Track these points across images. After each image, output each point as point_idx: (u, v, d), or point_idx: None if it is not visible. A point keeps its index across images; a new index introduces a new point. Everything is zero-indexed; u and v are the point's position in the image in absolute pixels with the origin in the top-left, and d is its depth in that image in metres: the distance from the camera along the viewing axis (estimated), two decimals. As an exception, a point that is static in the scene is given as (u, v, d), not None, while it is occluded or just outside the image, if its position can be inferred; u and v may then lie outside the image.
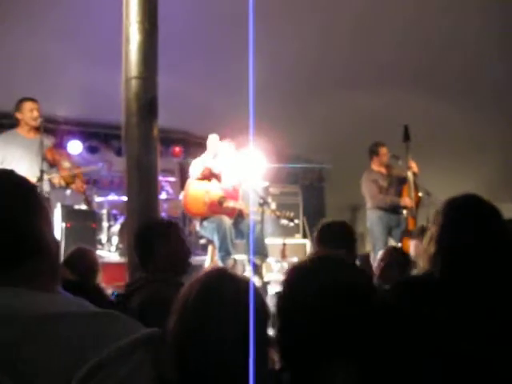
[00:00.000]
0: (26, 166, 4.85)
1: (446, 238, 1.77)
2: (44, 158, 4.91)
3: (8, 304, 1.06)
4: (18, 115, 5.10)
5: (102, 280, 3.65)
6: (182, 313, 1.47)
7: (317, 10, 5.31)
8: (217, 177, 5.59)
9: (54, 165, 5.23)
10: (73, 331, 1.03)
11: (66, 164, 5.29)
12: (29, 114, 5.03)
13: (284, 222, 5.68)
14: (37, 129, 5.05)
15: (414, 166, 5.97)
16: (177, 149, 8.35)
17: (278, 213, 5.69)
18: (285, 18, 5.32)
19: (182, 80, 5.95)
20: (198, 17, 5.20)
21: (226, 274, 1.64)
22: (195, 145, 8.55)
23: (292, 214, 5.69)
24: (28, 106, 5.06)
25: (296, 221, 6.20)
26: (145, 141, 2.96)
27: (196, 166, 5.59)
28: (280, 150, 8.41)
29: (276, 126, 7.37)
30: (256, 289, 1.46)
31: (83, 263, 3.42)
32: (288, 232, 7.67)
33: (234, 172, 5.66)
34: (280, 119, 7.17)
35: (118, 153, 7.90)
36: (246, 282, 1.54)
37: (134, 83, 3.03)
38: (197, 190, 5.53)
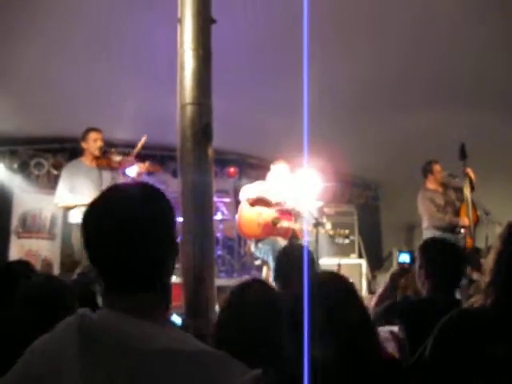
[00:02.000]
0: (91, 195, 5.04)
1: (504, 267, 1.64)
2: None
3: (127, 332, 1.08)
4: (84, 145, 5.33)
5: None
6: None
7: (368, 31, 5.31)
8: (269, 204, 5.63)
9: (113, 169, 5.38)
10: (186, 369, 1.05)
11: (116, 158, 5.44)
12: (93, 143, 5.26)
13: (339, 240, 5.65)
14: (99, 158, 5.27)
15: (471, 174, 5.79)
16: (232, 170, 8.45)
17: (331, 231, 5.67)
18: (337, 39, 5.34)
19: (237, 102, 6.05)
20: (252, 40, 5.28)
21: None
22: (250, 165, 8.64)
23: (347, 232, 5.65)
24: (93, 136, 5.30)
25: (351, 237, 6.15)
26: (199, 165, 3.02)
27: (249, 192, 5.67)
28: (334, 169, 8.39)
29: (330, 145, 7.37)
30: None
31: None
32: (343, 252, 7.63)
33: (289, 193, 5.69)
34: (334, 139, 7.16)
35: (174, 174, 8.07)
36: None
37: (188, 109, 3.11)
38: (250, 212, 5.59)
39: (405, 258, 3.26)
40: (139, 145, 5.43)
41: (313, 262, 3.31)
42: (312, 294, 1.55)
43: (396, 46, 5.46)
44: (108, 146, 5.57)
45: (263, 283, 2.10)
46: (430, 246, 2.96)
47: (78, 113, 6.70)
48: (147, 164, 5.56)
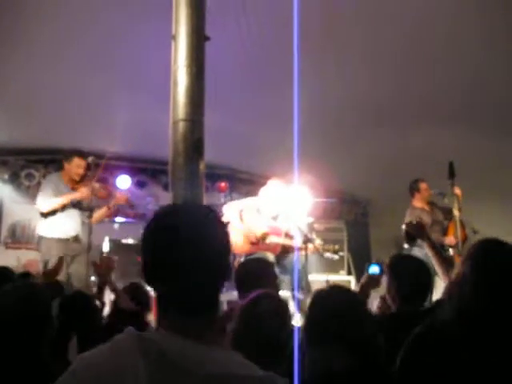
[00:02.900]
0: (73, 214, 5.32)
1: (467, 289, 1.70)
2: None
3: (194, 359, 1.08)
4: (66, 165, 5.44)
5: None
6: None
7: (360, 48, 5.38)
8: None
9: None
10: None
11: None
12: (75, 169, 5.39)
13: (328, 255, 5.69)
14: (77, 182, 5.39)
15: (458, 193, 5.84)
16: (222, 184, 8.47)
17: (321, 247, 5.70)
18: (329, 56, 5.40)
19: (227, 116, 6.09)
20: (244, 56, 5.33)
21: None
22: (240, 180, 8.68)
23: (336, 247, 5.69)
24: (77, 161, 5.42)
25: (341, 253, 6.18)
26: (191, 180, 3.06)
27: (232, 212, 5.74)
28: (324, 185, 8.44)
29: (320, 162, 7.43)
30: None
31: (139, 299, 3.53)
32: (332, 268, 7.64)
33: (282, 209, 5.74)
34: (324, 155, 7.22)
35: (166, 187, 8.09)
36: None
37: (181, 125, 3.16)
38: (239, 228, 5.62)
39: (375, 269, 3.35)
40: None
41: (272, 275, 3.42)
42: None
43: (388, 63, 5.54)
44: (99, 159, 5.62)
45: (274, 296, 2.28)
46: (397, 261, 3.08)
47: (71, 125, 6.73)
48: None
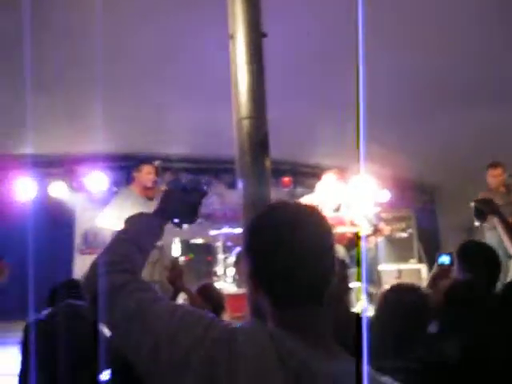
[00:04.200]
0: None
1: None
2: None
3: (322, 370, 1.09)
4: (136, 174, 5.50)
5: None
6: None
7: (431, 29, 5.22)
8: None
9: None
10: None
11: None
12: (146, 176, 5.43)
13: (396, 234, 5.60)
14: (149, 188, 5.43)
15: None
16: (286, 179, 8.46)
17: (388, 230, 5.61)
18: (395, 39, 5.28)
19: (289, 111, 6.08)
20: (305, 47, 5.31)
21: None
22: (304, 174, 8.65)
23: (403, 225, 5.61)
24: (146, 169, 5.46)
25: (409, 230, 6.08)
26: (259, 178, 3.06)
27: None
28: (390, 174, 8.31)
29: (385, 150, 7.31)
30: None
31: (213, 300, 3.57)
32: (403, 257, 7.54)
33: (341, 201, 5.69)
34: (389, 143, 7.10)
35: (229, 186, 8.16)
36: None
37: (245, 123, 3.15)
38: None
39: (444, 259, 3.28)
40: None
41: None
42: None
43: (463, 44, 5.34)
44: (165, 162, 5.72)
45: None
46: (467, 250, 3.00)
47: (135, 130, 6.88)
48: None
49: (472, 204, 3.65)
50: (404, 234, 5.68)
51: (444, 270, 3.25)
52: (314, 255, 1.18)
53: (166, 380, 1.15)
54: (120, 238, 1.49)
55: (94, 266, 1.39)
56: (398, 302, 2.13)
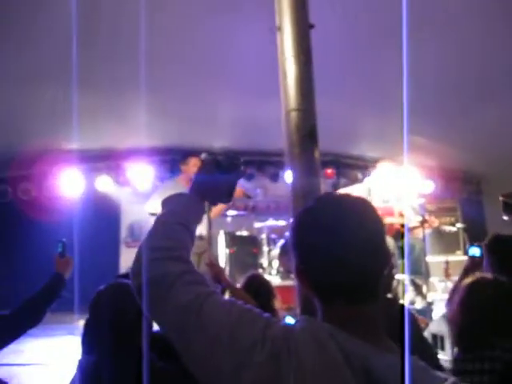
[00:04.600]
0: None
1: None
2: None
3: (387, 373, 1.08)
4: (183, 167, 5.57)
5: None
6: None
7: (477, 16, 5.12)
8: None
9: None
10: None
11: None
12: (193, 169, 5.50)
13: (446, 228, 5.53)
14: None
15: None
16: (329, 171, 8.43)
17: (437, 222, 5.53)
18: (442, 31, 5.20)
19: (332, 102, 6.05)
20: (348, 40, 5.27)
21: None
22: (347, 166, 8.59)
23: (452, 219, 5.53)
24: (193, 161, 5.53)
25: (458, 225, 5.98)
26: (308, 169, 3.06)
27: None
28: (435, 165, 8.19)
29: (431, 141, 7.21)
30: None
31: (263, 289, 3.60)
32: (449, 249, 7.43)
33: (393, 192, 5.64)
34: (433, 134, 7.00)
35: (273, 178, 8.18)
36: None
37: (293, 115, 3.15)
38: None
39: (475, 251, 3.21)
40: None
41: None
42: None
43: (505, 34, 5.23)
44: (210, 155, 5.75)
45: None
46: (495, 244, 2.93)
47: (179, 124, 6.94)
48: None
49: (500, 198, 3.57)
50: (453, 229, 5.57)
51: (475, 263, 3.18)
52: (365, 250, 1.15)
53: (222, 379, 1.12)
54: (166, 220, 1.38)
55: (141, 252, 1.31)
56: (490, 294, 2.08)
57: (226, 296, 3.93)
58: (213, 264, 3.85)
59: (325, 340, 1.10)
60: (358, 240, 1.15)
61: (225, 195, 1.55)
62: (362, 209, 1.21)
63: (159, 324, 1.25)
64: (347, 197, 1.28)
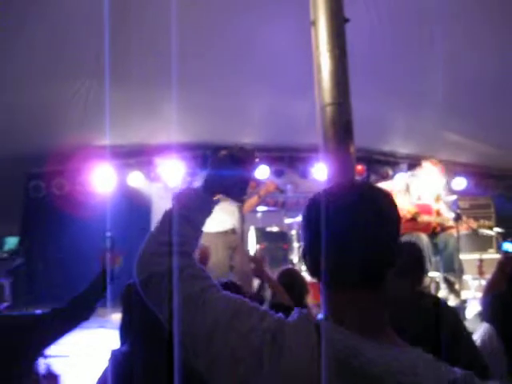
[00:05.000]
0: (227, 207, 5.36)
1: None
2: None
3: (373, 361, 1.06)
4: None
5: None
6: None
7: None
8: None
9: None
10: None
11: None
12: None
13: (483, 232, 5.44)
14: None
15: None
16: (359, 167, 8.38)
17: (475, 224, 5.45)
18: (482, 26, 5.14)
19: (361, 98, 6.01)
20: (380, 38, 5.23)
21: None
22: (377, 162, 8.53)
23: (491, 223, 5.43)
24: None
25: (496, 229, 5.87)
26: (343, 164, 3.05)
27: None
28: (469, 161, 8.10)
29: (464, 137, 7.12)
30: None
31: (297, 284, 3.59)
32: (481, 246, 7.32)
33: (431, 188, 5.59)
34: (468, 131, 6.92)
35: (303, 175, 8.16)
36: None
37: (329, 110, 3.14)
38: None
39: (508, 246, 3.17)
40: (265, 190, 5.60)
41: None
42: None
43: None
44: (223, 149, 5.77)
45: None
46: None
47: (210, 120, 6.97)
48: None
49: None
50: (491, 232, 5.48)
51: (509, 258, 3.13)
52: (365, 237, 1.12)
53: (220, 368, 1.14)
54: (173, 215, 1.38)
55: (149, 245, 1.34)
56: None
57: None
58: (256, 258, 3.87)
59: (308, 332, 1.10)
60: (356, 227, 1.13)
61: (239, 189, 1.52)
62: (369, 197, 1.17)
63: (161, 313, 1.27)
64: (358, 185, 1.27)
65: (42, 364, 2.41)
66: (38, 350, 2.34)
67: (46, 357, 2.42)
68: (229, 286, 2.40)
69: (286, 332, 1.12)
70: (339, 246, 1.13)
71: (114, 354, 2.19)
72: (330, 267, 1.14)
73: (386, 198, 1.19)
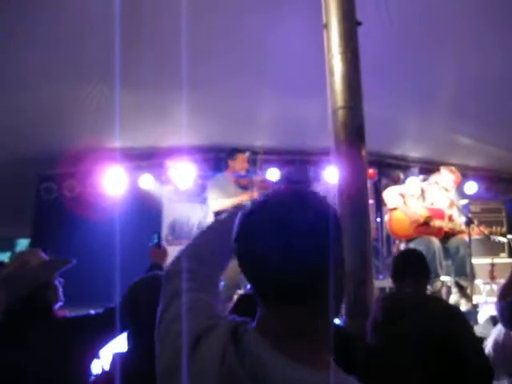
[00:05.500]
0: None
1: None
2: None
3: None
4: (231, 162, 5.59)
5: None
6: None
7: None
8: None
9: None
10: None
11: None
12: (240, 164, 5.53)
13: (494, 238, 5.39)
14: (243, 177, 5.55)
15: None
16: (370, 171, 8.35)
17: (487, 230, 5.41)
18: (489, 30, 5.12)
19: (372, 101, 6.00)
20: (393, 39, 5.22)
21: None
22: (388, 165, 8.50)
23: (504, 229, 5.38)
24: (241, 157, 5.56)
25: (509, 236, 5.80)
26: (355, 167, 3.05)
27: (395, 196, 5.63)
28: (480, 165, 8.06)
29: (474, 141, 7.09)
30: None
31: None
32: (492, 251, 7.27)
33: (445, 194, 5.57)
34: (479, 134, 6.88)
35: (314, 178, 8.14)
36: None
37: (341, 113, 3.14)
38: (401, 212, 5.52)
39: None
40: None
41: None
42: None
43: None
44: (253, 154, 5.79)
45: None
46: None
47: (221, 123, 6.98)
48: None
49: None
50: (503, 239, 5.42)
51: None
52: (285, 250, 1.03)
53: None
54: (213, 237, 1.47)
55: (181, 258, 1.42)
56: None
57: None
58: None
59: (221, 338, 1.10)
60: (280, 238, 1.05)
61: None
62: (303, 208, 1.09)
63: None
64: (293, 193, 1.16)
65: (97, 364, 2.43)
66: (94, 350, 2.35)
67: (99, 357, 2.43)
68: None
69: (208, 337, 1.13)
70: (257, 259, 1.07)
71: (120, 355, 2.20)
72: (251, 280, 1.11)
73: (320, 208, 1.11)
